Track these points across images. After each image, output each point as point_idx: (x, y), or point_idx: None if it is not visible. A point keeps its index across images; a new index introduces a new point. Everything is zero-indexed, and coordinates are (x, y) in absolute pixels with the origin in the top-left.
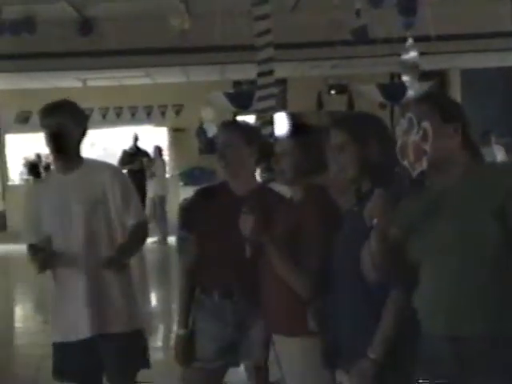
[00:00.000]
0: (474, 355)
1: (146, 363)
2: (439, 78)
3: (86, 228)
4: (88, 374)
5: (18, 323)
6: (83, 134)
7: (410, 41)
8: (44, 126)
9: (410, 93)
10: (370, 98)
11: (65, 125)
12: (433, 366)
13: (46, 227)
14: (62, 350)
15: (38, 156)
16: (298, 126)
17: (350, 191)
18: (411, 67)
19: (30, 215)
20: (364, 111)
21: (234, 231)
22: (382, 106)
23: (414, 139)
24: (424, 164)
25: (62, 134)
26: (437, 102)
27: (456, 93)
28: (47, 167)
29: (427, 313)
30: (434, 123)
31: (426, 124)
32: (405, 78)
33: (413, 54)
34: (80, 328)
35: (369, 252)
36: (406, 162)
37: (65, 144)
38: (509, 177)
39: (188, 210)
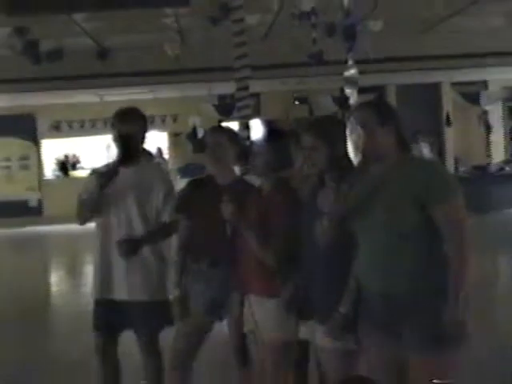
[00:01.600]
0: (400, 307)
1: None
2: (379, 92)
3: (132, 210)
4: (118, 329)
5: (54, 287)
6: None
7: (351, 62)
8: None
9: (353, 102)
10: (325, 106)
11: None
12: (371, 316)
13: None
14: (103, 307)
15: (66, 156)
16: (269, 132)
17: (308, 183)
18: (352, 82)
19: None
20: (328, 115)
21: (218, 213)
22: (335, 112)
23: (353, 138)
24: (359, 157)
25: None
26: (374, 109)
27: (392, 103)
28: (73, 165)
29: (365, 276)
30: (371, 125)
31: (360, 127)
32: (348, 91)
33: (353, 72)
34: (121, 291)
35: (321, 227)
36: (352, 155)
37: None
38: (427, 172)
39: (181, 197)
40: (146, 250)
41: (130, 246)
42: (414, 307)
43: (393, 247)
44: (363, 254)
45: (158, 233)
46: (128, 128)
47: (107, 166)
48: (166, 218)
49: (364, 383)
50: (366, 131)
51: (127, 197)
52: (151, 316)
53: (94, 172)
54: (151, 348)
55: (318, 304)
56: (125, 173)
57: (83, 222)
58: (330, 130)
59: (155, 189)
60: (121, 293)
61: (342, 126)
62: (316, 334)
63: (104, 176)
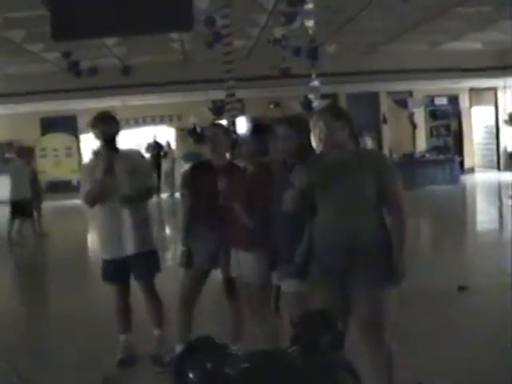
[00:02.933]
0: (357, 256)
1: (158, 269)
2: (333, 97)
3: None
4: (124, 277)
5: (92, 245)
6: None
7: (314, 75)
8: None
9: (314, 105)
10: (293, 109)
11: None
12: (322, 263)
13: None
14: (109, 264)
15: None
16: (252, 126)
17: (282, 167)
18: (315, 90)
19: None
20: (296, 114)
21: (215, 188)
22: (300, 114)
23: (316, 132)
24: (320, 147)
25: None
26: (331, 110)
27: (343, 107)
28: None
29: (326, 232)
30: (329, 122)
31: (321, 124)
32: (311, 97)
33: (315, 83)
34: (125, 248)
35: (290, 198)
36: (314, 145)
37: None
38: (378, 158)
39: (186, 177)
40: (137, 215)
41: (127, 199)
42: (364, 255)
43: (353, 208)
44: (324, 216)
45: (143, 193)
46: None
47: (97, 155)
48: (148, 184)
49: (319, 315)
50: (327, 125)
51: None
52: (146, 265)
53: (90, 164)
54: (149, 291)
55: (282, 255)
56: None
57: (93, 204)
58: (298, 124)
59: (139, 165)
60: (125, 250)
61: (306, 123)
62: (281, 280)
63: (104, 164)
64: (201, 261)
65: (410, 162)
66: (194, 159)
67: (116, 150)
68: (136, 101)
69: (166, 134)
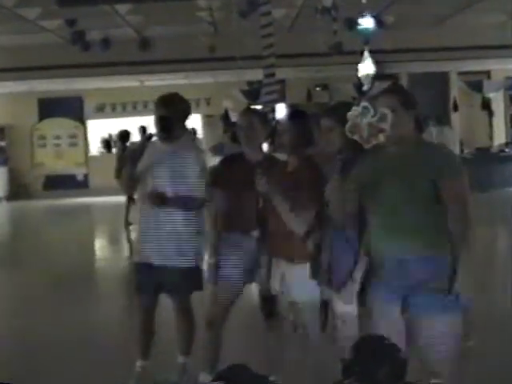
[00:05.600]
0: (412, 270)
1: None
2: (394, 79)
3: (166, 182)
4: (156, 291)
5: (98, 251)
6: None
7: (366, 54)
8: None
9: (365, 88)
10: (344, 92)
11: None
12: (383, 280)
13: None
14: (142, 270)
15: (110, 135)
16: (294, 113)
17: (331, 161)
18: (366, 77)
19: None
20: (344, 101)
21: (250, 187)
22: (354, 98)
23: (369, 121)
24: (381, 138)
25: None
26: (400, 95)
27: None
28: (115, 142)
29: (381, 243)
30: (399, 110)
31: (384, 110)
32: (363, 80)
33: (368, 65)
34: (161, 256)
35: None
36: (356, 137)
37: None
38: (440, 154)
39: (215, 172)
40: (179, 223)
41: (158, 198)
42: (424, 271)
43: (409, 216)
44: (378, 224)
45: (185, 199)
46: (165, 111)
47: (141, 142)
48: (197, 193)
49: (378, 342)
50: (395, 115)
51: (162, 170)
52: (183, 281)
53: (129, 148)
54: (183, 309)
55: (333, 272)
56: (162, 149)
57: (128, 191)
58: (345, 115)
59: (189, 164)
60: (158, 258)
61: None
62: (333, 300)
63: (135, 152)
64: (233, 275)
65: (486, 158)
66: (224, 152)
67: (171, 138)
68: (156, 80)
69: (191, 121)
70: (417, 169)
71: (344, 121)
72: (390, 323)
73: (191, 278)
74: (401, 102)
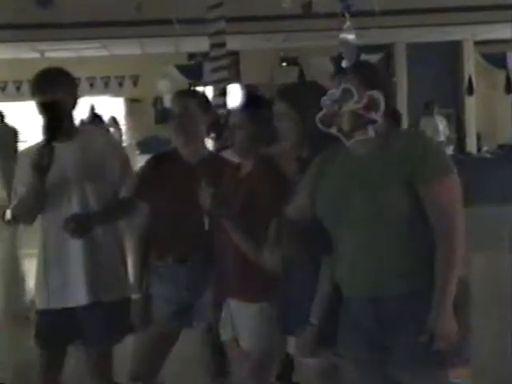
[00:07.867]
0: (390, 313)
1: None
2: (386, 51)
3: (85, 193)
4: (66, 341)
5: None
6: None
7: (348, 23)
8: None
9: (345, 64)
10: (321, 69)
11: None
12: (355, 324)
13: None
14: (47, 317)
15: None
16: (251, 99)
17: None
18: (349, 47)
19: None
20: (308, 80)
21: (187, 199)
22: (332, 77)
23: (352, 108)
24: (371, 132)
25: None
26: (358, 74)
27: (402, 65)
28: None
29: (349, 278)
30: (359, 90)
31: (374, 93)
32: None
33: (350, 36)
34: (75, 295)
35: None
36: (333, 130)
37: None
38: (416, 146)
39: (140, 178)
40: (107, 243)
41: (80, 224)
42: (406, 313)
43: (382, 244)
44: (345, 254)
45: (112, 209)
46: (53, 94)
47: (37, 146)
48: (123, 192)
49: None
50: (359, 93)
51: (74, 179)
52: (110, 321)
53: (23, 156)
54: (103, 366)
55: (290, 315)
56: (62, 150)
57: (32, 220)
58: (306, 97)
59: (108, 161)
60: (78, 297)
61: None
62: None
63: (39, 160)
64: (166, 314)
65: (511, 159)
66: (156, 149)
67: (68, 132)
68: (62, 52)
69: (110, 107)
70: (385, 173)
71: (303, 106)
72: (363, 375)
73: (121, 315)
74: (360, 82)
